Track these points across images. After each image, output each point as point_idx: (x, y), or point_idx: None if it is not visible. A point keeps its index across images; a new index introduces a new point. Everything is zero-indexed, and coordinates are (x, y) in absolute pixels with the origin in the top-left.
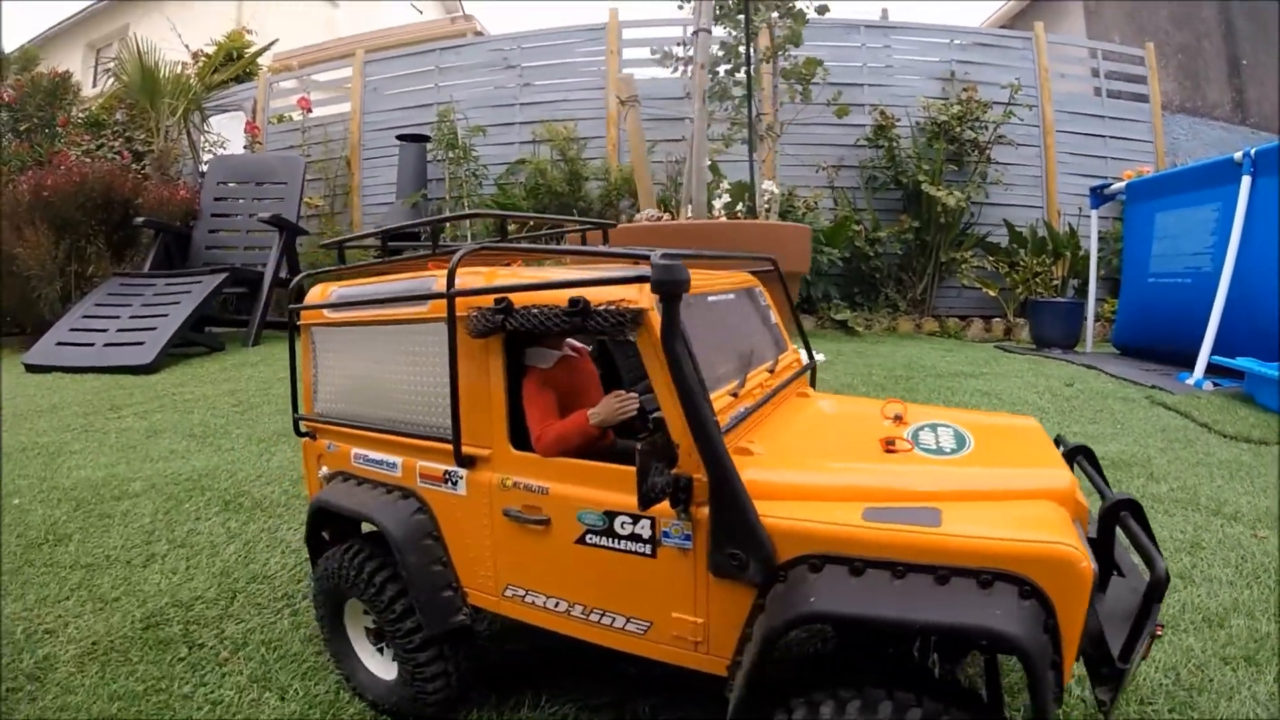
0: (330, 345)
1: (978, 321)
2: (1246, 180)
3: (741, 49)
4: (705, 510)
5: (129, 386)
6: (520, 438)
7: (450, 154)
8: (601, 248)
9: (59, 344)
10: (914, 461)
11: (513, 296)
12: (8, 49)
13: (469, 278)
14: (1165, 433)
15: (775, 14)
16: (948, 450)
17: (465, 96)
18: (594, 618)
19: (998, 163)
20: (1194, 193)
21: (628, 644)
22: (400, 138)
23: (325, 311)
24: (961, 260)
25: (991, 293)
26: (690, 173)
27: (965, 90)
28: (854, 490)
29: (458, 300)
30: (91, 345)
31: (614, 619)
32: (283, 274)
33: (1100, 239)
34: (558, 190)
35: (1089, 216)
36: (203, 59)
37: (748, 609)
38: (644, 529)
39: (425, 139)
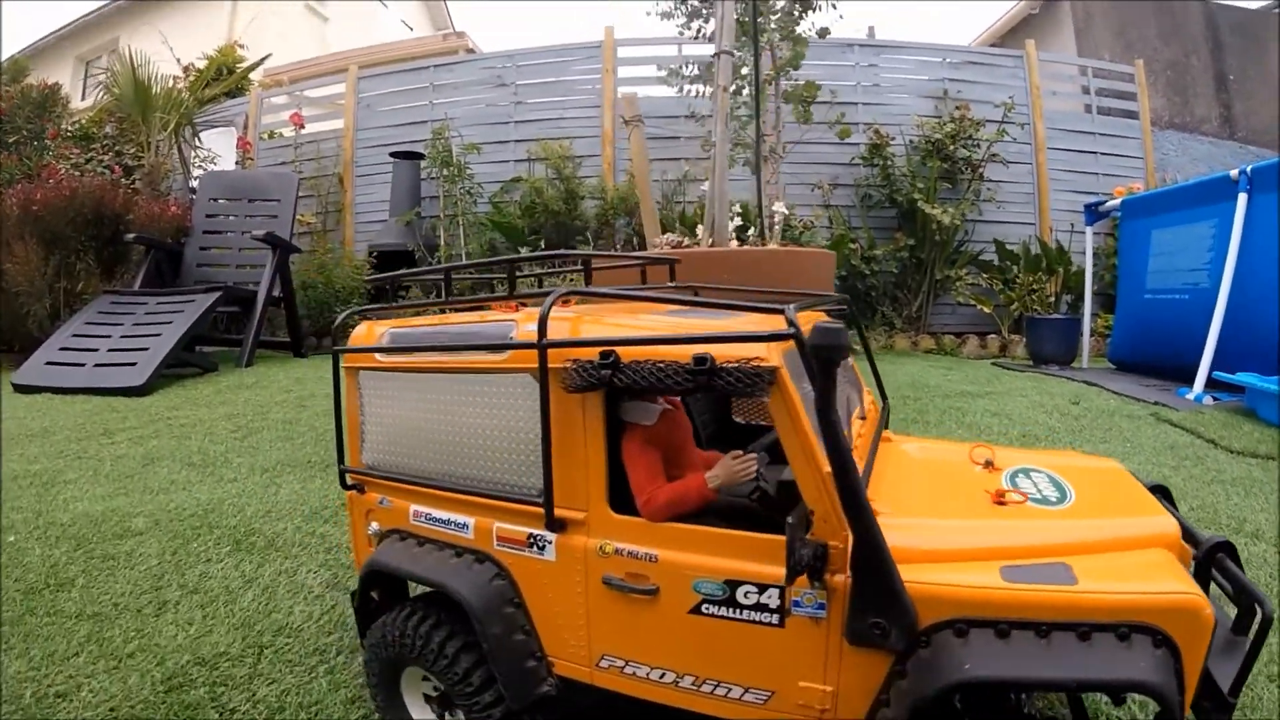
0: (383, 391)
1: (973, 338)
2: (1243, 197)
3: (744, 70)
4: (839, 578)
5: (122, 409)
6: (617, 500)
7: (445, 172)
8: (729, 300)
9: (48, 363)
10: (1031, 516)
11: (619, 350)
12: None
13: (554, 325)
14: (1175, 450)
15: (778, 36)
16: (1053, 500)
17: (459, 114)
18: (706, 688)
19: (991, 180)
20: (1190, 210)
21: (744, 713)
22: (394, 155)
23: (377, 355)
24: (956, 278)
25: (986, 309)
26: (713, 198)
27: (958, 108)
28: (985, 550)
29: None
30: (82, 365)
31: (730, 689)
32: (275, 293)
33: (1093, 255)
34: (554, 209)
35: (1081, 233)
36: (194, 73)
37: (882, 675)
38: (771, 599)
39: (419, 156)
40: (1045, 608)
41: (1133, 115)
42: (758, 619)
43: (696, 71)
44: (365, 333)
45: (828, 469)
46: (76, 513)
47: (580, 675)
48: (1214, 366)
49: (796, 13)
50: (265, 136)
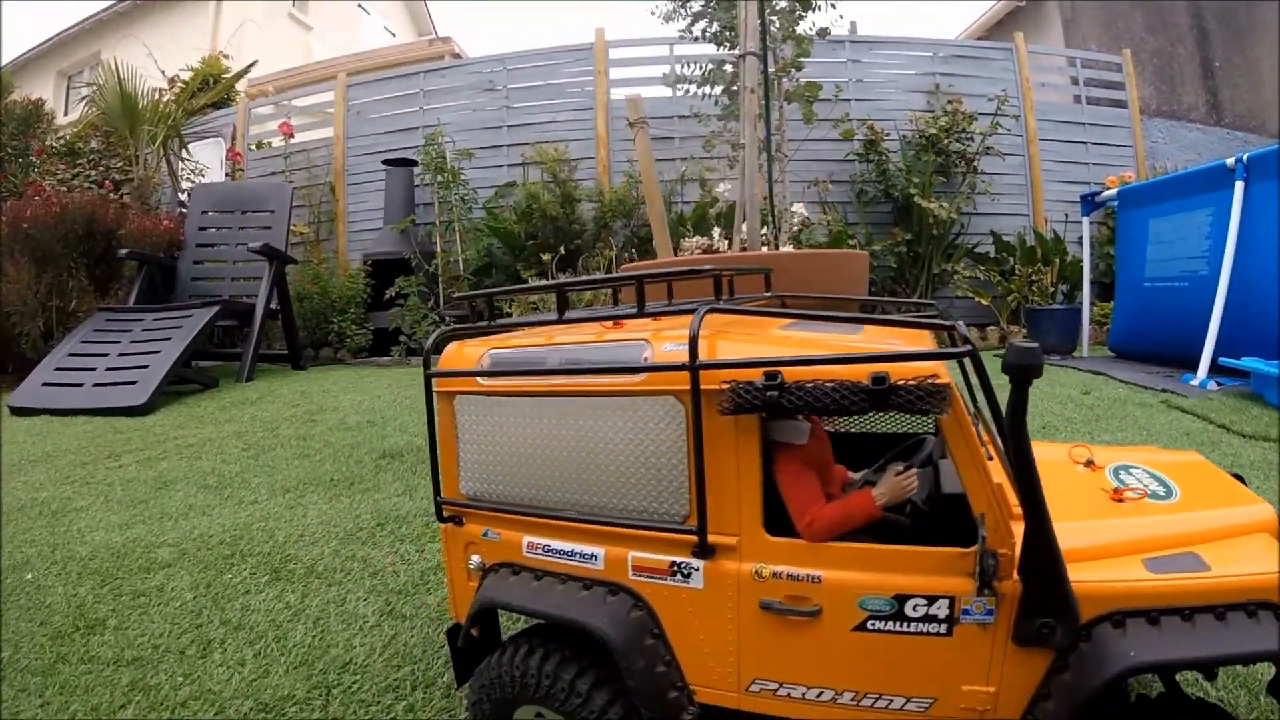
0: (488, 417)
1: (972, 331)
2: (1240, 185)
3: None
4: (1007, 583)
5: (125, 430)
6: (771, 523)
7: (439, 178)
8: (898, 317)
9: (45, 384)
10: (1151, 511)
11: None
12: None
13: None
14: (1189, 436)
15: (780, 36)
16: (1163, 495)
17: (450, 120)
18: (867, 702)
19: (985, 173)
20: (1188, 198)
21: None
22: (386, 162)
23: (479, 379)
24: (953, 271)
25: (984, 302)
26: (743, 200)
27: (950, 102)
28: (1123, 546)
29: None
30: (80, 386)
31: (891, 701)
32: (273, 305)
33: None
34: (551, 213)
35: (1075, 223)
36: (180, 84)
37: (1041, 672)
38: (940, 610)
39: (412, 163)
40: (1187, 594)
41: (1121, 105)
42: (926, 630)
43: (700, 72)
44: (455, 354)
45: (996, 480)
46: (95, 544)
47: (726, 702)
48: (1216, 353)
49: (797, 13)
50: (254, 147)
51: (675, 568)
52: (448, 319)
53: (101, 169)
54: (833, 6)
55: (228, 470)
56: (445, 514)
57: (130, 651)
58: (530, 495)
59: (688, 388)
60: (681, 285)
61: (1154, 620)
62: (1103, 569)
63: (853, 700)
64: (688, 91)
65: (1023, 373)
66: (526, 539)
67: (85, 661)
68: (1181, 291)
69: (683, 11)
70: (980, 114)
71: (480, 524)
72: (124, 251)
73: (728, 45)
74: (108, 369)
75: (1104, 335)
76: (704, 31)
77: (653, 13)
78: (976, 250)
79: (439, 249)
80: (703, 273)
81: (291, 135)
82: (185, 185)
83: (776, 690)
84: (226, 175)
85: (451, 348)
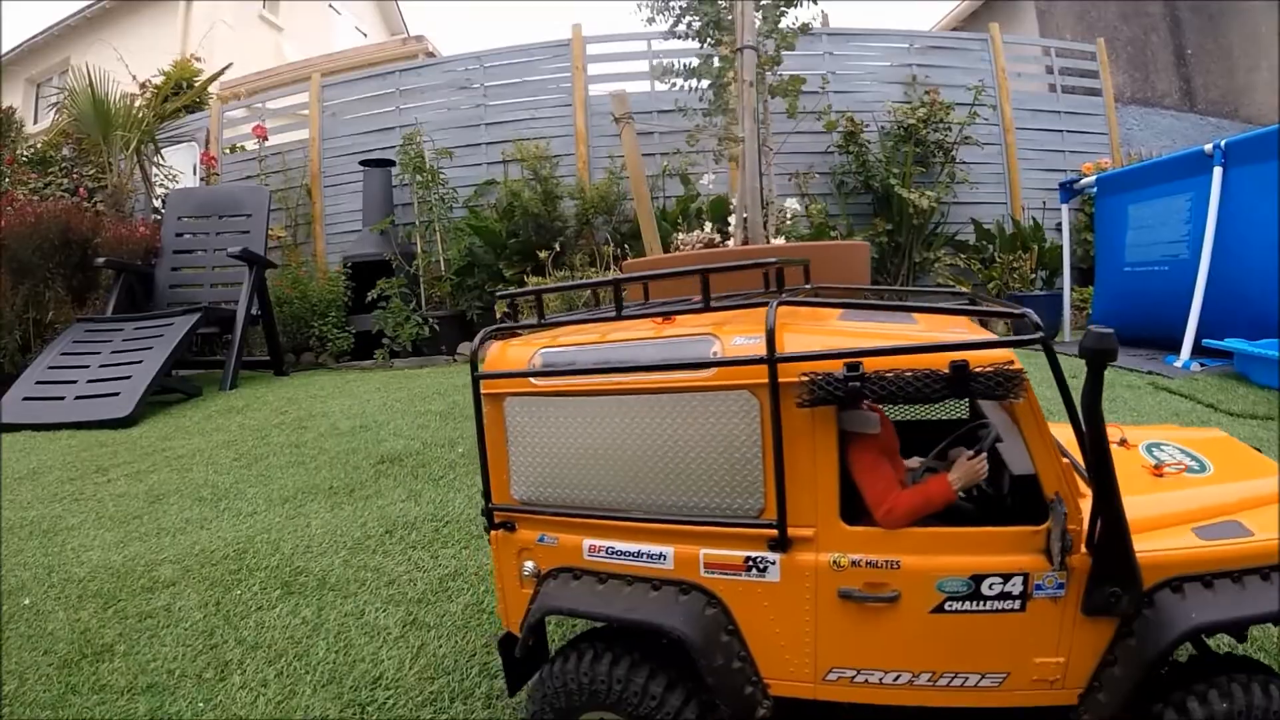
0: (542, 419)
1: None
2: (1218, 171)
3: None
4: (1076, 557)
5: (110, 443)
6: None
7: (418, 178)
8: (967, 305)
9: (26, 399)
10: (1191, 484)
11: (856, 361)
12: None
13: (759, 340)
14: (1179, 416)
15: (764, 30)
16: (1197, 469)
17: (428, 118)
18: (943, 682)
19: (963, 162)
20: (1166, 184)
21: (979, 699)
22: (364, 163)
23: (533, 379)
24: (934, 259)
25: (965, 289)
26: (743, 193)
27: (928, 93)
28: (1172, 517)
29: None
30: (62, 399)
31: (966, 678)
32: (254, 310)
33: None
34: (533, 211)
35: (1055, 210)
36: (151, 89)
37: (1107, 639)
38: (1015, 586)
39: (390, 164)
40: (1236, 558)
41: (1096, 93)
42: (1001, 607)
43: (685, 66)
44: (501, 355)
45: (1065, 461)
46: (93, 565)
47: (801, 693)
48: (1198, 334)
49: (780, 8)
50: (228, 150)
51: (750, 562)
52: (432, 322)
53: (75, 177)
54: (814, 2)
55: (221, 481)
56: (496, 520)
57: (144, 678)
58: (591, 497)
59: (762, 382)
60: (678, 281)
61: (1208, 584)
62: (1158, 539)
63: (929, 681)
64: (673, 85)
65: (1098, 357)
66: (588, 542)
67: (97, 691)
68: (1162, 275)
69: (667, 10)
70: (958, 104)
71: (535, 529)
72: (101, 260)
73: (711, 42)
74: (89, 380)
75: (1084, 320)
76: (689, 26)
77: (636, 12)
78: (957, 238)
79: (420, 249)
80: (764, 264)
81: (266, 138)
82: (159, 191)
83: (854, 677)
84: (201, 180)
85: (495, 348)
